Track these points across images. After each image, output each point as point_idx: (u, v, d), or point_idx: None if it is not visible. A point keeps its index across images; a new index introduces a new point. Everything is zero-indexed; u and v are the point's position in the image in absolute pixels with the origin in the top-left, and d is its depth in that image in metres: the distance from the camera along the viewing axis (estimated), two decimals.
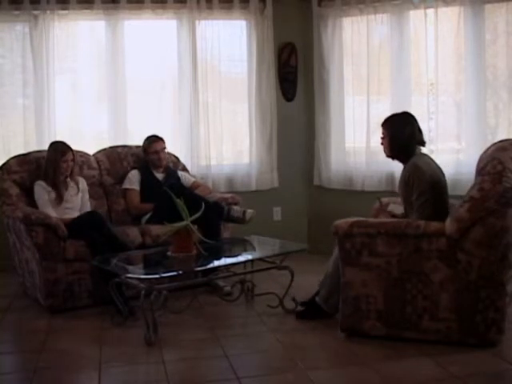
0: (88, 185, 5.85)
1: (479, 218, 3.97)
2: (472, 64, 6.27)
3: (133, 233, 5.53)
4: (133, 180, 6.06)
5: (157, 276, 4.51)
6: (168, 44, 6.87)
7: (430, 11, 6.38)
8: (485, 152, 4.39)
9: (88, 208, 5.71)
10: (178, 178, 6.14)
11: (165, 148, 6.14)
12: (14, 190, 5.55)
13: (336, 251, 4.53)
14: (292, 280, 5.07)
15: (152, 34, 6.83)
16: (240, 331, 4.69)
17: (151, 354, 4.23)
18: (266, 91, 6.98)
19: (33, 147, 6.30)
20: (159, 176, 6.08)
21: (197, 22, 6.79)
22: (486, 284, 4.02)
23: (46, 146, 5.94)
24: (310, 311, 4.80)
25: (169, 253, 4.83)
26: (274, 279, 5.49)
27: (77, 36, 6.70)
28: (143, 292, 4.42)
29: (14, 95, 6.65)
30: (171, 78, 6.89)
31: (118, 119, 6.72)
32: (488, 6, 6.24)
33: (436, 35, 6.35)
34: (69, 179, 5.64)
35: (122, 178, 6.11)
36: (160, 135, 6.19)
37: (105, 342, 4.48)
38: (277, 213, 7.17)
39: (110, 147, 6.35)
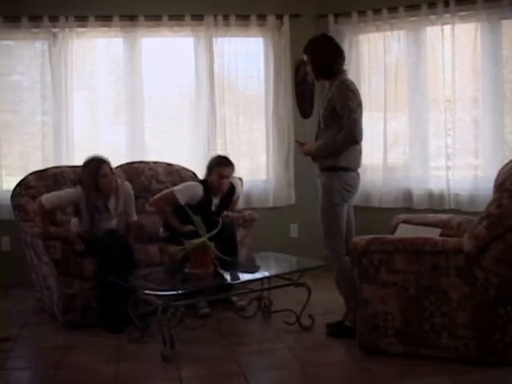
0: None
1: (497, 234, 3.94)
2: (489, 80, 6.27)
3: (153, 250, 5.54)
4: (192, 197, 5.51)
5: (174, 293, 4.52)
6: (185, 61, 6.91)
7: (447, 27, 6.40)
8: (503, 168, 4.37)
9: (134, 213, 5.55)
10: (230, 201, 5.88)
11: (231, 175, 5.71)
12: (31, 206, 5.58)
13: (335, 271, 4.69)
14: (309, 297, 5.05)
15: (169, 51, 6.89)
16: (257, 348, 4.67)
17: (168, 371, 4.23)
18: (283, 108, 6.99)
19: (51, 163, 6.35)
20: (214, 202, 5.71)
21: (214, 38, 6.83)
22: (504, 302, 4.00)
23: (64, 162, 6.01)
24: (340, 331, 4.76)
25: (186, 269, 4.83)
26: (290, 296, 5.47)
27: (95, 53, 6.77)
28: (160, 308, 4.43)
29: (33, 111, 6.70)
30: (188, 94, 6.92)
31: (135, 135, 6.76)
32: (505, 22, 6.25)
33: (453, 51, 6.36)
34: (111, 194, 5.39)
35: (139, 193, 6.02)
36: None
37: (122, 358, 4.48)
38: (294, 229, 7.16)
39: (127, 163, 6.36)
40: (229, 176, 5.65)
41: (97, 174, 5.19)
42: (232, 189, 5.80)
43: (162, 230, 5.72)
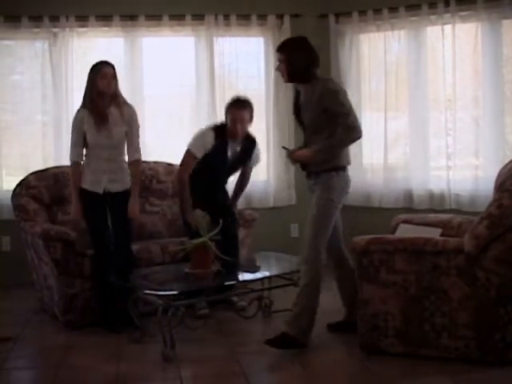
0: None
1: (498, 234, 3.94)
2: (490, 80, 6.27)
3: (155, 250, 5.53)
4: (204, 147, 5.33)
5: (174, 293, 4.52)
6: (186, 60, 6.92)
7: (447, 27, 6.41)
8: (503, 168, 4.37)
9: (138, 149, 5.18)
10: (249, 158, 5.63)
11: (246, 120, 5.39)
12: (32, 206, 5.58)
13: (303, 280, 4.52)
14: None
15: (170, 51, 6.91)
16: (257, 348, 4.65)
17: (168, 371, 4.23)
18: (284, 108, 6.98)
19: (51, 163, 6.35)
20: (231, 150, 5.45)
21: (214, 38, 6.84)
22: (505, 301, 3.99)
23: (64, 162, 5.98)
24: (281, 341, 4.47)
25: (186, 269, 4.83)
26: (291, 296, 5.44)
27: (95, 53, 6.77)
28: (161, 308, 4.43)
29: (33, 111, 6.72)
30: (189, 94, 6.93)
31: None
32: (505, 22, 6.26)
33: (453, 51, 6.37)
34: (111, 108, 5.08)
35: (140, 193, 5.96)
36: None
37: (122, 358, 4.48)
38: (294, 229, 7.15)
39: None
40: (243, 120, 5.35)
41: (98, 74, 4.99)
42: (253, 142, 5.61)
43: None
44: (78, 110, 5.12)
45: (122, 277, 4.90)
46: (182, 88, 6.96)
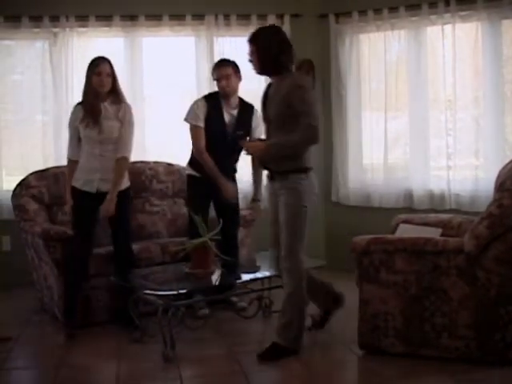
0: None
1: (498, 234, 3.94)
2: (490, 80, 6.26)
3: (155, 250, 5.53)
4: (199, 115, 5.36)
5: (174, 293, 4.52)
6: (186, 60, 6.93)
7: (448, 27, 6.39)
8: (504, 168, 4.36)
9: (127, 147, 5.06)
10: (249, 125, 5.53)
11: (231, 74, 5.37)
12: (32, 206, 5.59)
13: (287, 289, 4.43)
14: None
15: (170, 51, 6.91)
16: (257, 348, 4.64)
17: (169, 371, 4.23)
18: None
19: (51, 163, 6.35)
20: (228, 115, 5.45)
21: (214, 38, 6.85)
22: (505, 301, 3.99)
23: (64, 162, 5.97)
24: (272, 353, 4.40)
25: (186, 269, 4.83)
26: None
27: (95, 53, 6.71)
28: (161, 308, 4.43)
29: (33, 111, 6.73)
30: (189, 94, 6.90)
31: (135, 135, 6.70)
32: (505, 22, 6.25)
33: (453, 51, 6.36)
34: (106, 104, 5.04)
35: (139, 193, 6.06)
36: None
37: (122, 357, 4.48)
38: None
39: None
40: (228, 75, 5.35)
41: (93, 72, 4.92)
42: (251, 106, 5.58)
43: (187, 165, 5.61)
44: (74, 107, 5.13)
45: (121, 277, 4.91)
46: (182, 88, 6.96)
